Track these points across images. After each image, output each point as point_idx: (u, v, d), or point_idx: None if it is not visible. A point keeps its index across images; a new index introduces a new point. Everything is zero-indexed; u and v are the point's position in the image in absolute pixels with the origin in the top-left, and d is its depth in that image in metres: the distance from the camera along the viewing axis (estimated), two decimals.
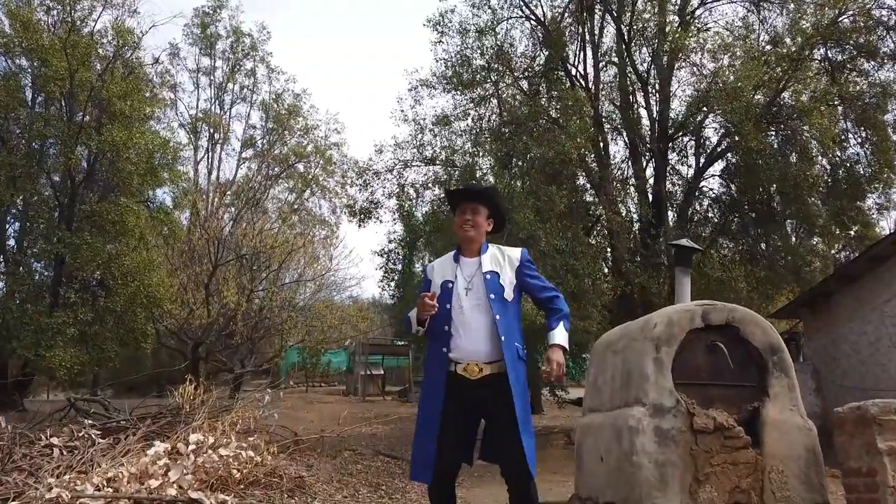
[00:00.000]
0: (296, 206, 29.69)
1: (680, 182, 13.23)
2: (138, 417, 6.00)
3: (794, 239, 13.83)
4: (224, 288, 16.67)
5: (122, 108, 13.80)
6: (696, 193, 12.93)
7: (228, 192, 28.00)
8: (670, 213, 12.13)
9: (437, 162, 12.48)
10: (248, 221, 20.97)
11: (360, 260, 63.64)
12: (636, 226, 11.45)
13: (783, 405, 4.91)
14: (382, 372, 25.74)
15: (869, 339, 11.68)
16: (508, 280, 3.33)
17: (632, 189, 12.27)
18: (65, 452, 5.26)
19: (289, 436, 7.79)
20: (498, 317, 3.19)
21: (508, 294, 3.30)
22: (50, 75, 13.28)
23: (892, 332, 11.21)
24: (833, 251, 13.71)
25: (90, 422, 5.87)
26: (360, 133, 62.99)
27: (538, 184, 9.40)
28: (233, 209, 24.64)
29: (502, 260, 3.37)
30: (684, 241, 5.54)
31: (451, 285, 3.26)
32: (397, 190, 12.81)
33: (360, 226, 13.12)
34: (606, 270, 10.07)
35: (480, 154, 11.19)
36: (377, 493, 6.46)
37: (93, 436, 5.57)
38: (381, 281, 13.67)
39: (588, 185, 11.34)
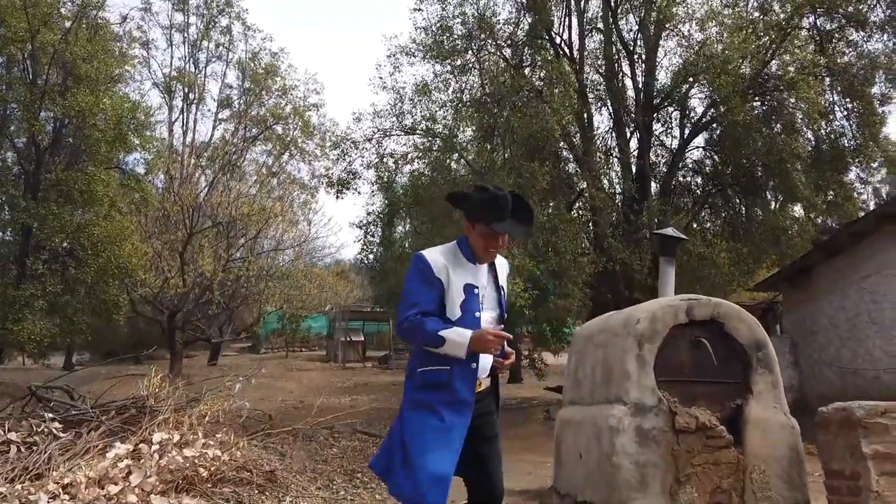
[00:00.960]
0: (274, 170, 29.10)
1: (664, 153, 13.02)
2: (101, 409, 5.76)
3: (774, 205, 13.78)
4: (199, 257, 16.32)
5: (88, 71, 13.20)
6: (680, 165, 12.74)
7: (204, 155, 27.31)
8: (653, 186, 11.93)
9: (418, 131, 12.11)
10: (224, 186, 20.50)
11: (339, 228, 62.43)
12: (618, 199, 11.26)
13: (766, 403, 4.80)
14: (363, 338, 25.67)
15: (847, 315, 11.69)
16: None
17: (615, 162, 12.03)
18: (23, 449, 5.02)
19: (263, 419, 7.61)
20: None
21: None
22: (9, 36, 12.60)
23: (870, 308, 11.21)
24: (813, 216, 13.64)
25: (51, 415, 5.62)
26: (342, 105, 61.84)
27: (520, 159, 9.11)
28: (209, 172, 24.06)
29: (502, 271, 3.07)
30: (669, 231, 5.34)
31: (476, 291, 2.87)
32: (376, 160, 12.46)
33: (337, 197, 12.78)
34: (587, 246, 9.90)
35: (461, 127, 10.84)
36: (352, 481, 6.33)
37: (53, 430, 5.34)
38: (360, 253, 13.41)
39: (571, 158, 11.07)
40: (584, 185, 10.78)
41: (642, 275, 10.54)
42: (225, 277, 16.81)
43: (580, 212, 11.36)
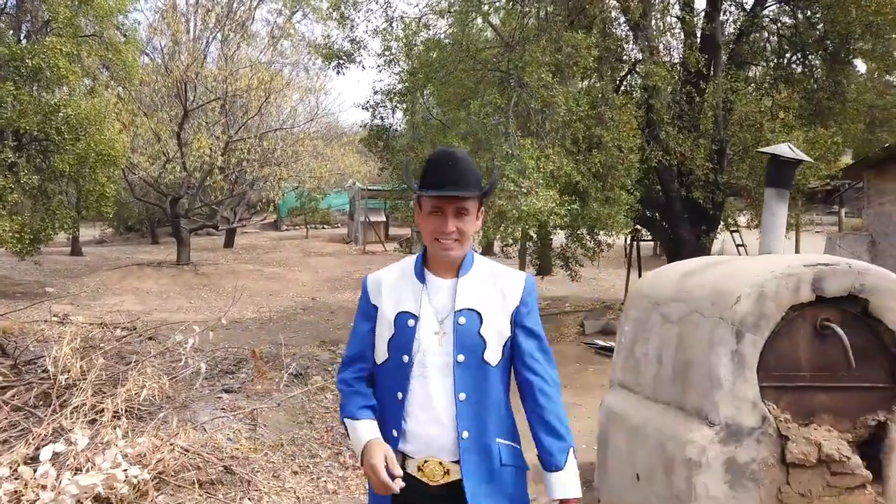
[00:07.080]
0: (281, 33, 26.59)
1: (734, 11, 10.59)
2: (5, 384, 4.45)
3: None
4: (195, 140, 14.67)
5: None
6: (753, 26, 10.34)
7: (211, 14, 24.85)
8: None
9: None
10: (226, 54, 18.40)
11: (347, 106, 58.28)
12: (677, 74, 9.14)
13: None
14: (385, 218, 24.29)
15: None
16: (497, 329, 1.89)
17: (674, 24, 9.72)
18: None
19: (239, 362, 6.33)
20: (463, 395, 1.84)
21: (492, 353, 1.87)
22: None
23: None
24: None
25: None
26: None
27: (558, 27, 7.01)
28: (219, 36, 21.88)
29: (492, 287, 1.92)
30: (784, 149, 3.54)
31: (412, 324, 1.87)
32: (384, 25, 10.31)
33: (338, 72, 10.81)
34: (638, 135, 8.00)
35: None
36: (339, 457, 5.05)
37: None
38: (368, 139, 11.61)
39: (620, 21, 8.82)
40: (639, 58, 8.66)
41: (703, 170, 8.66)
42: (226, 161, 15.24)
43: (630, 92, 9.28)
